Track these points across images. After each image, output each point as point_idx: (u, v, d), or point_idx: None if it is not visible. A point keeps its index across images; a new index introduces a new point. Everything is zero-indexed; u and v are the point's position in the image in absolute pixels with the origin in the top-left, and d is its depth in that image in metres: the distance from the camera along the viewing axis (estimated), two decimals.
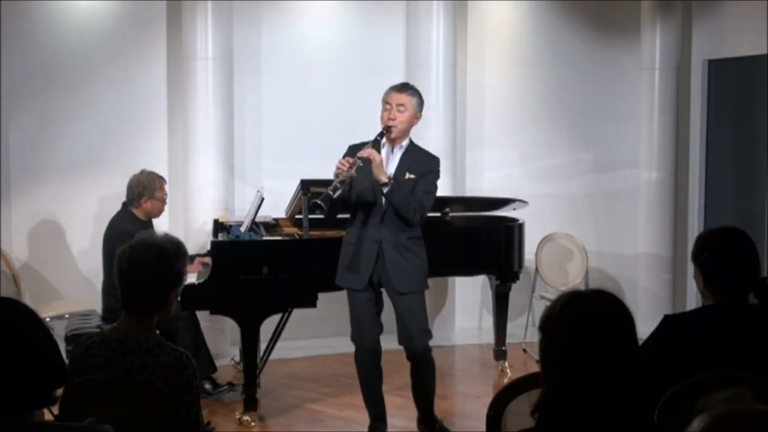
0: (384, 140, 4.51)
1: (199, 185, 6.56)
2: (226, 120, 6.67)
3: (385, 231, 4.50)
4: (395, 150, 4.58)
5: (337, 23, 7.26)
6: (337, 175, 4.30)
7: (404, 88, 4.60)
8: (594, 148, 7.72)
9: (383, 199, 4.44)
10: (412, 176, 4.47)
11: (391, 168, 4.52)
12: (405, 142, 4.59)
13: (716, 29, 7.36)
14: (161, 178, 5.70)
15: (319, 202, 4.21)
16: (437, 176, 4.61)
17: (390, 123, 4.48)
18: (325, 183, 5.57)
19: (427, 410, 4.82)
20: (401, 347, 4.75)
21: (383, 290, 4.66)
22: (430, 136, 6.56)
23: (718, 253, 2.88)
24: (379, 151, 4.39)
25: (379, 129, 7.38)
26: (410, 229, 4.54)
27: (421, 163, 4.55)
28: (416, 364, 4.71)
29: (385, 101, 4.54)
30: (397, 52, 7.32)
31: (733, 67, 7.33)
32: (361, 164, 4.31)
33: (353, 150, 4.55)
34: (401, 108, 4.50)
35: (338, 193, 4.26)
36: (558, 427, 1.90)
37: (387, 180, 4.36)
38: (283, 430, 5.19)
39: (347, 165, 4.28)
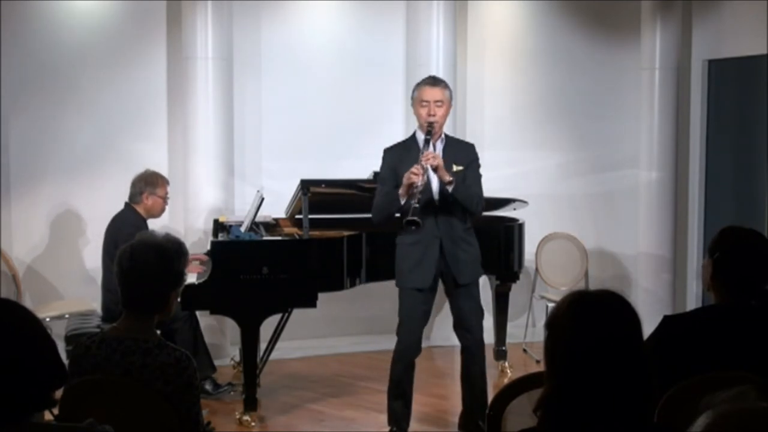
0: (423, 137, 4.54)
1: (199, 185, 6.56)
2: (226, 120, 6.66)
3: (443, 227, 4.54)
4: (437, 145, 4.58)
5: (337, 23, 7.26)
6: (411, 185, 4.35)
7: (437, 82, 4.61)
8: (594, 148, 7.71)
9: (436, 198, 4.47)
10: (460, 168, 4.51)
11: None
12: (442, 136, 4.63)
13: (716, 29, 7.36)
14: (164, 178, 5.73)
15: (415, 219, 4.28)
16: (479, 162, 4.68)
17: (431, 119, 4.49)
18: (325, 183, 5.62)
19: (483, 400, 4.74)
20: None
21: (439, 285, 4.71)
22: None
23: (730, 254, 2.87)
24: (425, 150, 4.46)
25: (379, 128, 7.41)
26: (465, 222, 4.63)
27: (464, 154, 4.61)
28: (473, 353, 4.73)
29: (421, 99, 4.54)
30: (397, 52, 7.31)
31: (733, 67, 7.33)
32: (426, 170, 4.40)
33: (390, 154, 4.64)
34: (439, 104, 4.53)
35: (418, 200, 4.33)
36: (560, 425, 1.90)
37: (451, 179, 4.42)
38: (283, 430, 5.19)
39: (420, 172, 4.33)
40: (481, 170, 4.70)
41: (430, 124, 4.48)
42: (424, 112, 4.51)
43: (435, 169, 4.42)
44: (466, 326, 4.68)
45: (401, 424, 4.74)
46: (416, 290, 4.60)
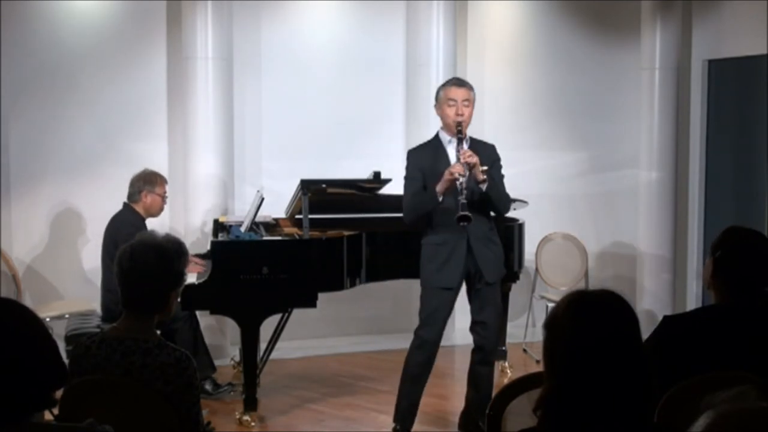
0: (449, 137, 4.59)
1: (199, 185, 6.55)
2: (226, 120, 6.66)
3: (470, 226, 4.53)
4: (463, 145, 4.60)
5: (337, 23, 7.26)
6: (454, 180, 4.38)
7: (463, 83, 4.67)
8: (594, 148, 7.71)
9: (464, 199, 4.44)
10: (485, 168, 4.53)
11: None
12: (467, 137, 4.65)
13: (716, 29, 7.36)
14: (162, 177, 5.73)
15: (467, 214, 4.32)
16: (501, 163, 4.73)
17: (459, 119, 4.53)
18: (325, 183, 5.62)
19: (488, 402, 4.77)
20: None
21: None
22: (430, 136, 6.52)
23: (731, 254, 2.88)
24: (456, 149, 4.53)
25: (379, 128, 7.41)
26: (489, 221, 4.66)
27: (486, 154, 4.63)
28: (487, 354, 4.76)
29: (448, 98, 4.57)
30: (397, 52, 7.31)
31: (733, 67, 7.32)
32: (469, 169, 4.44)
33: (416, 154, 4.68)
34: (466, 103, 4.58)
35: (465, 196, 4.38)
36: (560, 425, 1.90)
37: (484, 178, 4.45)
38: (283, 430, 5.19)
39: (462, 169, 4.37)
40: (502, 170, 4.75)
41: (459, 123, 4.52)
42: (452, 111, 4.55)
43: (471, 168, 4.44)
44: (486, 326, 4.70)
45: (406, 422, 4.75)
46: (443, 289, 4.61)
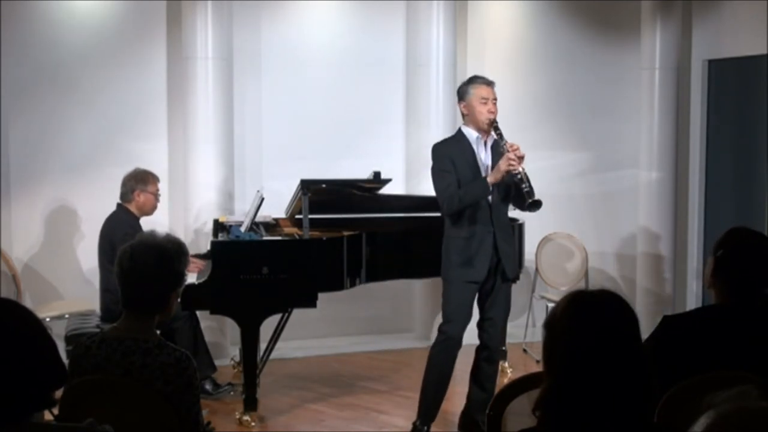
0: (477, 134, 4.67)
1: (199, 185, 6.55)
2: (226, 120, 6.66)
3: (496, 221, 4.62)
4: (487, 142, 4.68)
5: (337, 23, 7.26)
6: (510, 171, 4.44)
7: (491, 81, 4.73)
8: (594, 148, 7.71)
9: (527, 187, 4.46)
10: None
11: (489, 159, 4.63)
12: (492, 134, 4.69)
13: (716, 29, 7.36)
14: (154, 175, 5.72)
15: (537, 199, 4.41)
16: None
17: (491, 116, 4.61)
18: (326, 183, 5.62)
19: (488, 401, 4.79)
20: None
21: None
22: (430, 136, 6.54)
23: (732, 253, 2.88)
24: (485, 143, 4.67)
25: (379, 128, 7.40)
26: (508, 217, 4.73)
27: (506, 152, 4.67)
28: (493, 352, 4.79)
29: (481, 96, 4.63)
30: (397, 52, 7.31)
31: (733, 67, 7.32)
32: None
33: (445, 147, 4.71)
34: (495, 101, 4.66)
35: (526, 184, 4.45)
36: (559, 425, 1.90)
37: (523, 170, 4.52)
38: (283, 430, 5.19)
39: (516, 160, 4.43)
40: None
41: (495, 120, 4.59)
42: (485, 109, 4.61)
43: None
44: (494, 323, 4.72)
45: (428, 420, 4.77)
46: (470, 283, 4.63)
